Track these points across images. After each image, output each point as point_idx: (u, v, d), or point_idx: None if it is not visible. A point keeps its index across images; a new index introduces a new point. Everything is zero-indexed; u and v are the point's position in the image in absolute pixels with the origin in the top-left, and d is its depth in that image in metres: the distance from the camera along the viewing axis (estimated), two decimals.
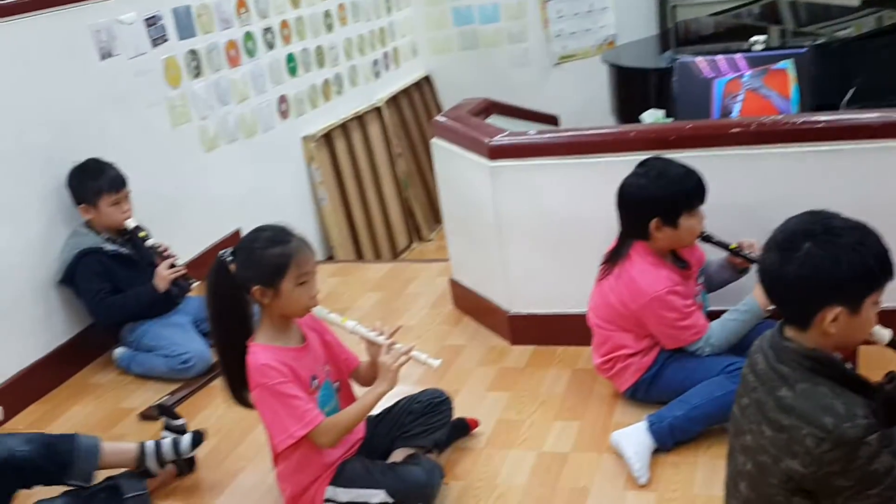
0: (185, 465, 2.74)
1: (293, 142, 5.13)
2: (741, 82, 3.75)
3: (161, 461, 2.65)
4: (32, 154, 3.40)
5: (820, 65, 3.61)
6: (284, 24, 5.05)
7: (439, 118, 3.53)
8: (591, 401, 2.91)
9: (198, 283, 3.55)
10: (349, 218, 5.45)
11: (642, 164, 2.69)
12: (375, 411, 2.54)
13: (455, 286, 3.68)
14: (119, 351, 3.51)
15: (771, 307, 2.56)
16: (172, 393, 3.26)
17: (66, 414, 3.24)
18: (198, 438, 2.71)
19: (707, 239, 2.73)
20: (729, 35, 5.25)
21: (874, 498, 1.65)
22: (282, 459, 2.46)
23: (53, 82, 3.50)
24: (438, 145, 3.49)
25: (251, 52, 4.73)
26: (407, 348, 2.43)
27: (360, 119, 5.71)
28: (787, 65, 3.60)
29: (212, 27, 4.42)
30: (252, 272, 2.34)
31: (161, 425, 2.80)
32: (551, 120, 4.91)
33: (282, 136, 4.99)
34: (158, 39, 4.06)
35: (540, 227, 3.16)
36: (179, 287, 3.52)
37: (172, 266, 3.45)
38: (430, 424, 2.61)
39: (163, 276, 3.42)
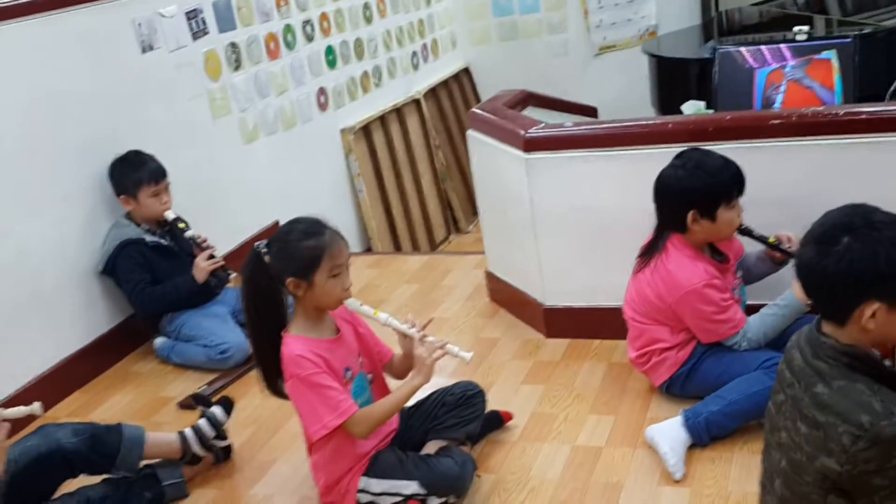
0: (222, 454, 2.77)
1: (332, 134, 5.16)
2: (783, 73, 3.69)
3: (204, 443, 2.69)
4: (76, 146, 3.46)
5: (864, 55, 3.53)
6: (324, 16, 5.07)
7: (475, 110, 3.52)
8: (626, 395, 2.88)
9: (236, 274, 3.59)
10: (387, 210, 5.47)
11: (680, 155, 2.66)
12: (409, 403, 2.55)
13: (490, 278, 3.67)
14: (159, 340, 3.57)
15: (811, 302, 2.51)
16: (210, 383, 3.30)
17: (107, 402, 3.30)
18: (228, 405, 2.76)
19: (745, 232, 2.69)
20: (772, 25, 5.17)
21: None
22: (316, 449, 2.48)
23: (96, 75, 3.55)
24: (474, 137, 3.48)
25: (290, 45, 4.76)
26: (440, 342, 2.44)
27: (398, 111, 5.72)
28: (831, 55, 3.53)
29: (252, 20, 4.45)
30: (286, 264, 2.35)
31: (198, 414, 2.83)
32: (590, 111, 4.87)
33: (320, 128, 5.02)
34: (199, 32, 4.10)
35: (576, 220, 3.14)
36: (218, 278, 3.56)
37: (211, 257, 3.49)
38: (464, 417, 2.61)
39: (201, 268, 3.46)
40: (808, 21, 4.29)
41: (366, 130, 5.38)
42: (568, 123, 3.24)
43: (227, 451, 2.80)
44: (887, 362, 1.73)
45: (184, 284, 3.46)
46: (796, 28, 3.85)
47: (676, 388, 2.76)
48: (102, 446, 2.49)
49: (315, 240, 2.35)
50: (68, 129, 3.43)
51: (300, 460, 2.70)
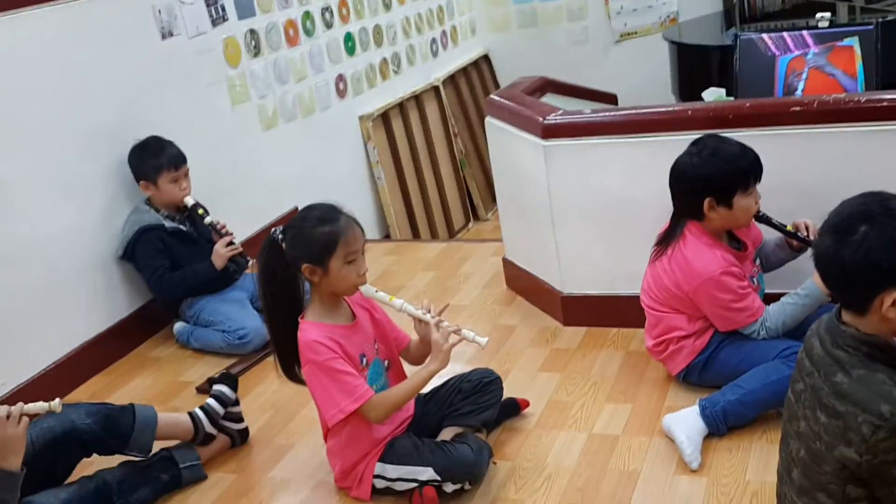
0: (238, 437, 2.79)
1: (350, 121, 5.16)
2: (805, 60, 3.65)
3: (214, 422, 2.71)
4: (96, 132, 3.48)
5: (887, 42, 3.49)
6: (343, 3, 5.07)
7: (493, 97, 3.51)
8: (643, 383, 2.87)
9: (255, 260, 3.59)
10: (405, 197, 5.47)
11: (696, 142, 2.63)
12: (425, 390, 2.56)
13: (508, 266, 3.67)
14: (178, 325, 3.59)
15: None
16: (228, 368, 3.31)
17: (127, 386, 3.32)
18: (232, 381, 2.79)
19: (762, 219, 2.67)
20: (795, 12, 5.11)
21: None
22: (332, 435, 2.50)
23: (116, 62, 3.57)
24: (492, 124, 3.47)
25: (309, 32, 4.76)
26: (455, 327, 2.44)
27: (417, 98, 5.71)
28: (853, 42, 3.49)
29: (271, 7, 4.46)
30: (301, 250, 2.36)
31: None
32: (609, 99, 4.84)
33: (339, 115, 5.02)
34: (218, 19, 4.10)
35: (594, 207, 3.12)
36: (237, 264, 3.58)
37: (230, 244, 3.50)
38: (480, 404, 2.61)
39: (220, 254, 3.48)
40: (830, 8, 4.25)
41: (384, 118, 5.37)
42: (586, 110, 3.22)
43: (245, 434, 2.82)
44: None
45: (203, 270, 3.47)
46: (819, 15, 3.81)
47: (694, 377, 2.75)
48: (116, 427, 2.52)
49: (330, 226, 2.36)
50: (89, 115, 3.45)
51: (317, 445, 2.71)
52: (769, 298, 2.71)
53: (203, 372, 3.33)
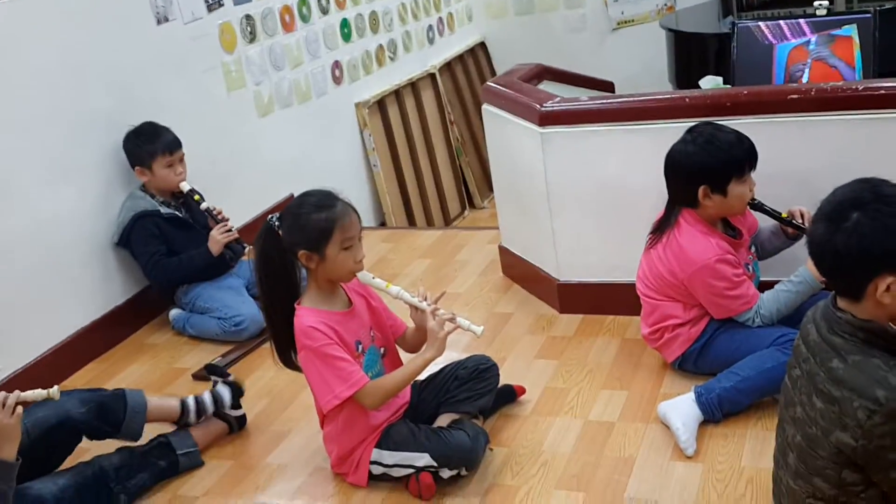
0: (236, 423, 2.80)
1: (346, 108, 5.14)
2: (807, 50, 3.65)
3: (200, 415, 2.73)
4: (92, 118, 3.47)
5: (884, 31, 3.48)
6: None
7: (490, 84, 3.50)
8: (639, 371, 2.88)
9: (251, 247, 3.59)
10: (401, 185, 5.46)
11: (691, 130, 2.63)
12: (422, 376, 2.56)
13: (504, 253, 3.67)
14: (174, 312, 3.59)
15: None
16: (224, 355, 3.32)
17: (123, 373, 3.33)
18: (237, 391, 2.79)
19: (757, 207, 2.67)
20: (791, 0, 5.09)
21: None
22: (328, 421, 2.50)
23: (112, 47, 3.56)
24: (489, 111, 3.46)
25: (305, 18, 4.74)
26: (450, 315, 2.44)
27: (413, 85, 5.70)
28: (851, 31, 3.49)
29: None
30: (298, 237, 2.36)
31: (210, 386, 2.86)
32: (607, 86, 4.83)
33: (335, 101, 5.01)
34: (214, 4, 4.09)
35: (590, 195, 3.12)
36: (233, 251, 3.57)
37: (228, 230, 3.50)
38: (476, 391, 2.62)
39: (216, 240, 3.48)
40: None
41: (381, 104, 5.36)
42: (583, 98, 3.22)
43: (242, 420, 2.83)
44: None
45: (199, 256, 3.47)
46: (816, 3, 3.80)
47: (689, 365, 2.76)
48: (108, 414, 2.53)
49: (327, 212, 2.36)
50: (84, 101, 3.44)
51: (314, 431, 2.72)
52: (764, 286, 2.72)
53: (199, 359, 3.33)
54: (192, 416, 2.71)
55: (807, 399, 1.76)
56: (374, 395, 2.40)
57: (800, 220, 2.67)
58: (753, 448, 2.44)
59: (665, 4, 6.35)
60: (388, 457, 2.46)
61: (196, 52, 3.98)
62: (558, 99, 3.12)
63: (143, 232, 3.45)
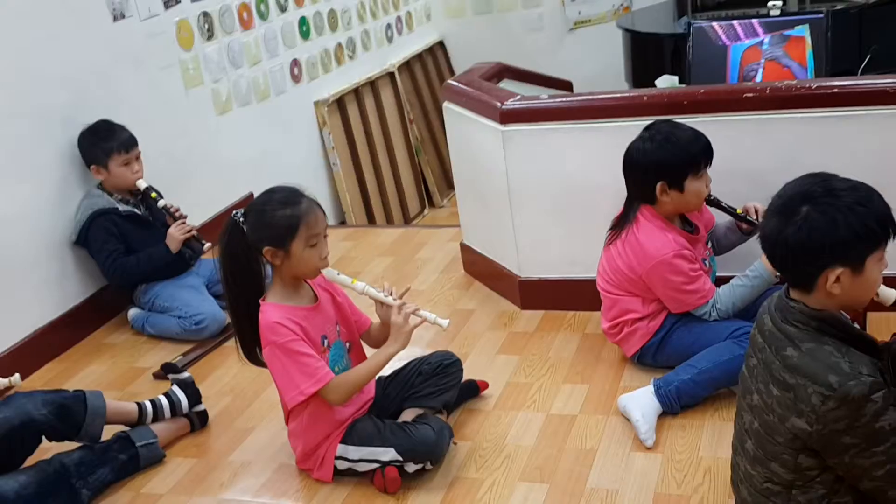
0: (198, 420, 2.79)
1: (305, 106, 5.13)
2: (761, 50, 3.72)
3: (157, 419, 2.73)
4: (47, 115, 3.42)
5: (836, 31, 3.57)
6: None
7: (451, 82, 3.52)
8: (599, 365, 2.93)
9: (211, 244, 3.59)
10: (361, 183, 5.46)
11: (648, 127, 2.69)
12: (386, 372, 2.58)
13: (466, 251, 3.69)
14: (133, 312, 3.55)
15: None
16: (185, 353, 3.30)
17: (82, 372, 3.29)
18: (193, 392, 2.79)
19: (713, 203, 2.73)
20: (745, 1, 5.19)
21: (880, 455, 1.66)
22: (293, 417, 2.51)
23: (67, 44, 3.51)
24: (450, 109, 3.49)
25: (264, 16, 4.73)
26: (415, 308, 2.46)
27: (372, 84, 5.70)
28: (804, 31, 3.57)
29: None
30: (263, 233, 2.36)
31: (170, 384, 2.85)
32: (565, 85, 4.88)
33: (294, 100, 5.00)
34: (171, 1, 4.05)
35: (551, 192, 3.16)
36: (192, 249, 3.55)
37: (187, 229, 3.47)
38: (440, 386, 2.64)
39: (175, 237, 3.45)
40: None
41: (340, 103, 5.36)
42: (543, 96, 3.26)
43: (204, 417, 2.82)
44: (856, 325, 1.77)
45: (158, 254, 3.44)
46: (770, 3, 3.88)
47: (648, 358, 2.81)
48: (69, 416, 2.52)
49: (292, 209, 2.36)
50: (39, 97, 3.39)
51: (278, 428, 2.72)
52: (720, 281, 2.78)
53: (159, 358, 3.30)
54: (149, 420, 2.71)
55: (763, 387, 1.81)
56: (340, 391, 2.41)
57: (754, 216, 2.73)
58: (711, 438, 2.50)
59: (621, 5, 6.43)
60: (354, 452, 2.47)
61: (153, 49, 3.95)
62: (519, 97, 3.15)
63: (101, 230, 3.42)
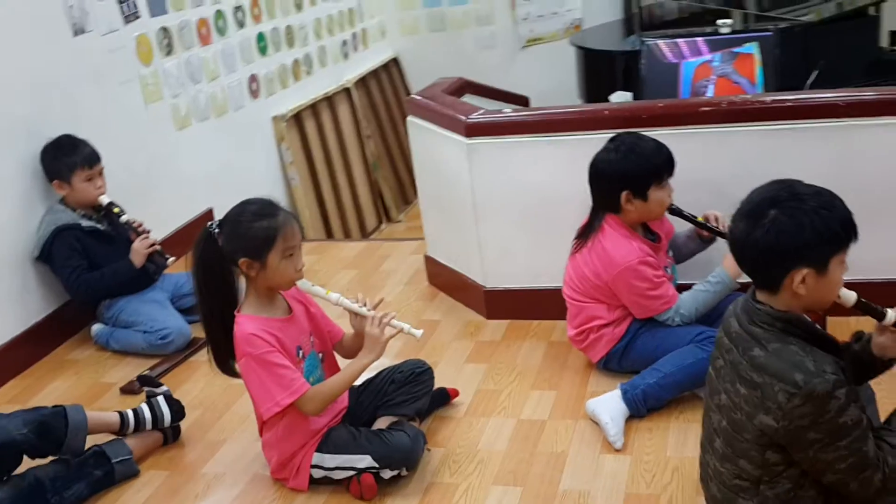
0: (171, 434, 2.78)
1: (264, 121, 5.15)
2: (711, 67, 3.85)
3: (139, 427, 2.72)
4: (8, 130, 3.39)
5: (784, 48, 3.72)
6: (255, 2, 5.05)
7: (415, 96, 3.58)
8: (566, 371, 3.00)
9: (174, 259, 3.59)
10: (319, 199, 5.48)
11: (613, 139, 2.79)
12: (358, 382, 2.61)
13: (430, 263, 3.74)
14: (96, 327, 3.53)
15: (741, 280, 2.66)
16: (152, 368, 3.28)
17: (47, 389, 3.25)
18: (177, 408, 2.79)
19: (675, 212, 2.83)
20: (693, 19, 5.36)
21: (842, 450, 1.75)
22: (268, 428, 2.52)
23: (27, 58, 3.49)
24: (415, 123, 3.54)
25: (222, 31, 4.74)
26: (390, 318, 2.50)
27: (329, 100, 5.74)
28: (753, 49, 3.71)
29: (183, 5, 4.42)
30: (239, 244, 2.38)
31: (143, 398, 2.84)
32: (522, 101, 4.98)
33: (252, 115, 5.01)
34: (130, 16, 4.05)
35: (516, 204, 3.23)
36: (156, 264, 3.54)
37: (150, 243, 3.47)
38: (413, 393, 2.69)
39: (139, 252, 3.44)
40: (727, 16, 4.48)
41: (298, 118, 5.38)
42: (507, 110, 3.33)
43: (177, 431, 2.81)
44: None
45: (122, 270, 3.43)
46: (720, 21, 4.02)
47: (614, 364, 2.89)
48: (50, 433, 2.49)
49: (268, 220, 2.39)
50: (0, 111, 3.36)
51: (250, 439, 2.73)
52: (680, 288, 2.86)
53: (125, 373, 3.28)
54: (131, 430, 2.70)
55: (731, 387, 1.88)
56: (315, 401, 2.44)
57: (714, 224, 2.84)
58: (677, 439, 2.58)
59: (572, 23, 6.57)
60: (330, 460, 2.49)
61: (113, 63, 3.93)
62: (483, 111, 3.22)
63: (64, 246, 3.39)
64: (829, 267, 1.78)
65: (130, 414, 2.71)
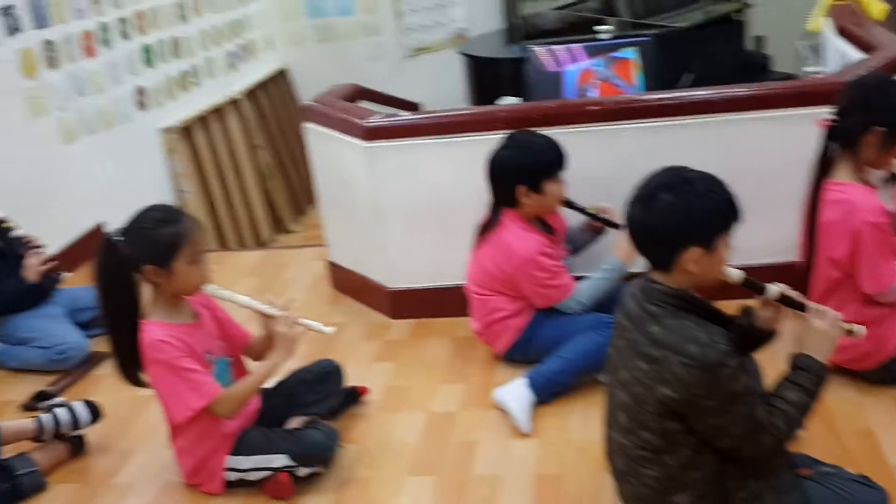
0: (76, 447, 2.73)
1: (153, 133, 5.08)
2: (594, 72, 4.03)
3: (58, 434, 2.68)
4: None
5: (661, 53, 3.94)
6: (139, 14, 4.98)
7: (312, 103, 3.62)
8: (473, 364, 3.09)
9: (70, 274, 3.51)
10: (212, 210, 5.43)
11: (508, 137, 2.92)
12: (269, 385, 2.63)
13: (333, 267, 3.78)
14: None
15: (632, 269, 2.81)
16: (52, 384, 3.20)
17: None
18: (95, 412, 2.75)
19: (568, 204, 2.97)
20: (574, 27, 5.56)
21: (736, 415, 1.89)
22: (179, 434, 2.51)
23: None
24: (312, 130, 3.58)
25: (107, 43, 4.66)
26: (299, 317, 2.54)
27: (218, 111, 5.69)
28: (631, 54, 3.91)
29: (66, 17, 4.33)
30: (144, 252, 2.37)
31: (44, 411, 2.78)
32: (413, 107, 5.08)
33: (141, 127, 4.94)
34: (13, 29, 3.95)
35: (416, 205, 3.32)
36: (51, 279, 3.46)
37: (44, 258, 3.38)
38: (324, 392, 2.74)
39: (32, 267, 3.35)
40: (605, 23, 4.71)
41: (188, 130, 5.32)
42: (404, 113, 3.41)
43: (79, 441, 2.77)
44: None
45: (15, 286, 3.33)
46: (601, 28, 4.21)
47: (518, 354, 3.00)
48: None
49: (173, 226, 2.39)
50: None
51: (159, 448, 2.71)
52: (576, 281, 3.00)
53: (23, 390, 3.18)
54: (49, 436, 2.66)
55: (631, 363, 2.00)
56: (228, 404, 2.45)
57: (604, 215, 2.99)
58: (581, 421, 2.70)
59: (457, 33, 6.72)
60: (245, 461, 2.50)
61: None
62: (381, 115, 3.29)
63: None
64: (717, 246, 1.92)
65: (47, 418, 2.66)
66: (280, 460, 2.49)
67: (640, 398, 1.98)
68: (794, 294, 2.08)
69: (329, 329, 2.57)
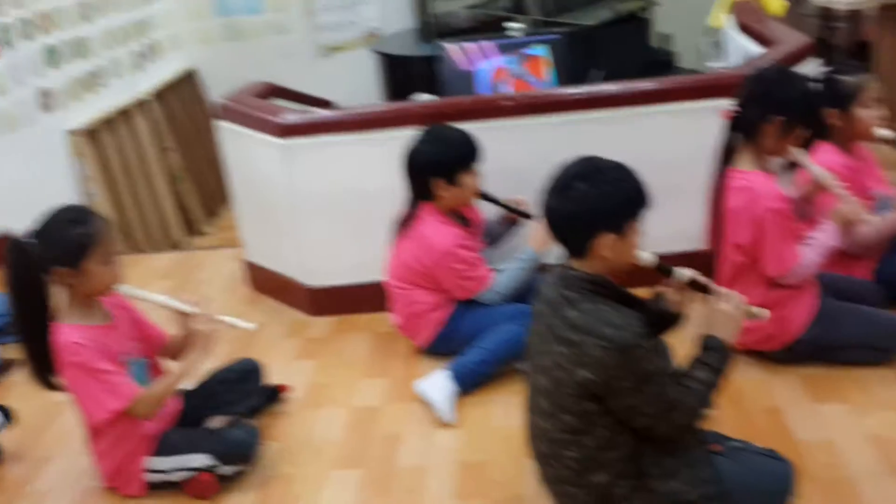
0: None
1: (58, 136, 4.92)
2: (506, 68, 4.10)
3: None
4: None
5: (572, 50, 4.03)
6: (42, 14, 4.83)
7: (226, 101, 3.58)
8: (395, 359, 3.11)
9: None
10: (122, 213, 5.30)
11: (423, 131, 2.95)
12: (189, 386, 2.60)
13: (250, 267, 3.74)
14: None
15: (546, 259, 2.87)
16: None
17: None
18: (7, 414, 2.69)
19: (484, 197, 3.01)
20: (486, 25, 5.64)
21: (650, 394, 1.96)
22: (97, 437, 2.47)
23: None
24: (226, 128, 3.54)
25: (8, 43, 4.50)
26: (218, 316, 2.52)
27: (126, 113, 5.55)
28: (543, 51, 3.99)
29: None
30: (54, 253, 2.32)
31: None
32: (327, 105, 5.05)
33: (46, 130, 4.78)
34: None
35: (333, 202, 3.31)
36: None
37: None
38: (244, 391, 2.72)
39: None
40: (516, 22, 4.78)
41: (95, 132, 5.17)
42: (320, 110, 3.40)
43: None
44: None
45: None
46: (512, 25, 4.28)
47: (440, 346, 3.03)
48: None
49: (84, 227, 2.35)
50: None
51: (76, 454, 2.66)
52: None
53: None
54: None
55: (551, 348, 2.05)
56: (146, 405, 2.41)
57: (520, 207, 3.04)
58: (502, 410, 2.75)
59: (369, 31, 6.72)
60: (166, 462, 2.48)
61: None
62: (296, 112, 3.28)
63: None
64: (628, 231, 1.99)
65: None
66: (202, 460, 2.47)
67: (559, 382, 2.03)
68: (701, 278, 2.17)
69: (249, 325, 2.55)
